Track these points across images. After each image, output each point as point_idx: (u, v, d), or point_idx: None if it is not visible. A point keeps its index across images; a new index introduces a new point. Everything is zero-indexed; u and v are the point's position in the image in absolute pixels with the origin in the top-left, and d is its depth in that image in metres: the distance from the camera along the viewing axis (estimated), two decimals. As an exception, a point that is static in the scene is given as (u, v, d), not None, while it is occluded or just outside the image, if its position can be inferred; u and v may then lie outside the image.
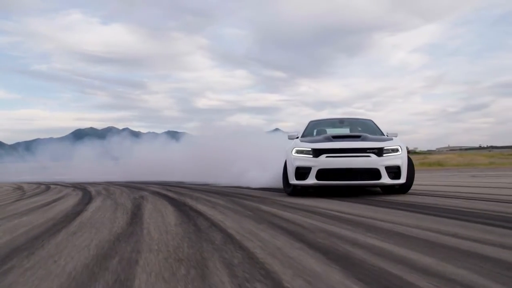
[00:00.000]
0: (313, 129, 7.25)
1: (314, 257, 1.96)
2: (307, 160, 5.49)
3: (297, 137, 6.51)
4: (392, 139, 5.86)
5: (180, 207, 4.48)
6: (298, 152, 5.65)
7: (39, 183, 14.09)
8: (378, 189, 6.30)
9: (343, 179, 5.38)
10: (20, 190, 10.22)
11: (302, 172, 5.51)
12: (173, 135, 26.02)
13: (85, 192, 7.67)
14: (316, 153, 5.47)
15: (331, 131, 7.15)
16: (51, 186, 11.53)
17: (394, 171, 5.40)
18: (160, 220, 3.41)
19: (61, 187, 10.57)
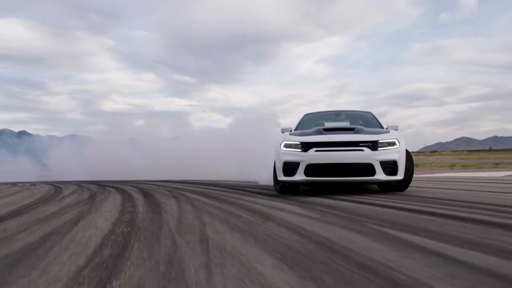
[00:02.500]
0: (308, 122, 6.83)
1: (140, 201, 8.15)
2: (295, 155, 5.14)
3: (290, 131, 6.20)
4: (389, 132, 5.49)
5: (99, 186, 10.34)
6: (286, 146, 5.31)
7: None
8: (376, 186, 6.09)
9: (334, 175, 5.04)
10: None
11: (290, 168, 5.17)
12: (75, 138, 26.20)
13: (47, 184, 13.01)
14: (305, 147, 5.12)
15: (328, 125, 6.79)
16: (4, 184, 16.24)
17: (390, 167, 5.02)
18: (92, 186, 9.31)
19: (26, 184, 15.44)
